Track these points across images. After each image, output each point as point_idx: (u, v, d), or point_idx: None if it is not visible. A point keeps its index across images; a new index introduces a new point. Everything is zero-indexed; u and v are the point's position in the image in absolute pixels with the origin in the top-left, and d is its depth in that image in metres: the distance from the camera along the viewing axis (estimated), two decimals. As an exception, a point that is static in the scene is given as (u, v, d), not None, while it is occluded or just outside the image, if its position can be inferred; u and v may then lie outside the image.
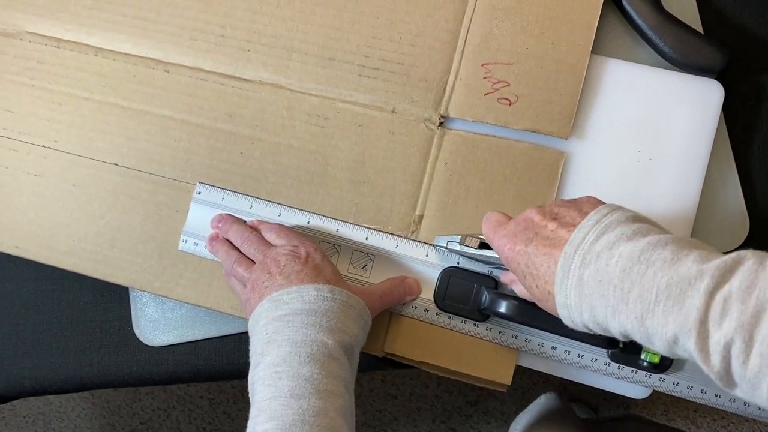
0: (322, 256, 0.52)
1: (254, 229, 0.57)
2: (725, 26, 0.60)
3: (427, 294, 0.56)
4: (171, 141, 0.60)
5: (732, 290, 0.35)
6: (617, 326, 0.39)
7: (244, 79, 0.60)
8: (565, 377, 0.56)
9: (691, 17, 0.60)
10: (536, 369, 0.56)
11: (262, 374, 0.45)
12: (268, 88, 0.60)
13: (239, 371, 0.61)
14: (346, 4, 0.59)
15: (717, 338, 0.35)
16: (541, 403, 0.74)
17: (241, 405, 1.28)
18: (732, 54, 0.58)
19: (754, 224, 0.59)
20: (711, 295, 0.36)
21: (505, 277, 0.54)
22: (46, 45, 0.62)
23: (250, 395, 0.46)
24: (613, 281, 0.39)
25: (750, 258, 0.37)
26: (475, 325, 0.55)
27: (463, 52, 0.57)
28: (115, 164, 0.61)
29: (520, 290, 0.52)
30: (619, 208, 0.43)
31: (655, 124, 0.57)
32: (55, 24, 0.62)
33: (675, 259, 0.38)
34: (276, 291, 0.48)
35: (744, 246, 0.58)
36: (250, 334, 0.50)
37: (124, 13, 0.62)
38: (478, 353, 0.56)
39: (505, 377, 0.56)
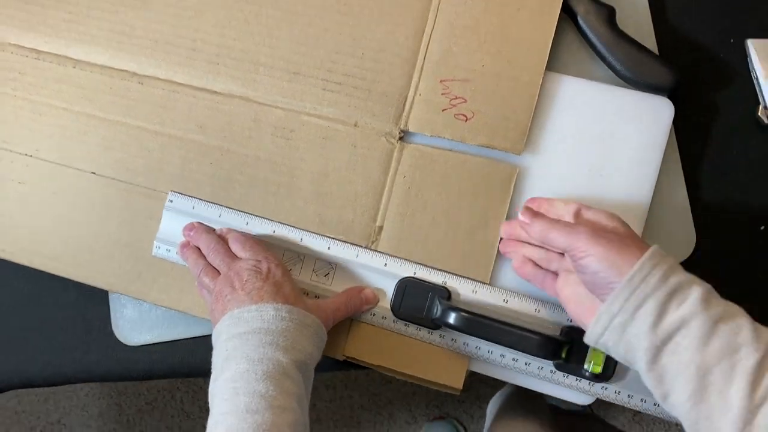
0: (282, 272, 0.51)
1: (223, 238, 0.55)
2: (679, 44, 0.58)
3: (385, 302, 0.55)
4: (145, 151, 0.59)
5: None
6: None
7: (214, 92, 0.58)
8: (515, 383, 0.55)
9: (647, 35, 0.57)
10: (489, 375, 0.55)
11: (221, 388, 0.45)
12: (236, 100, 0.58)
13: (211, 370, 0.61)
14: (311, 21, 0.57)
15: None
16: (511, 386, 0.73)
17: None
18: (685, 71, 0.55)
19: (700, 239, 0.57)
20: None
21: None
22: (27, 57, 0.60)
23: (210, 406, 0.46)
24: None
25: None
26: (429, 332, 0.54)
27: (422, 68, 0.55)
28: (93, 173, 0.59)
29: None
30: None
31: (607, 140, 0.55)
32: (35, 36, 0.60)
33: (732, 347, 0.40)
34: (237, 307, 0.48)
35: (691, 258, 0.57)
36: (213, 346, 0.49)
37: (101, 26, 0.60)
38: (432, 359, 0.55)
39: (457, 382, 0.55)
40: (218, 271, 0.53)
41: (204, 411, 1.28)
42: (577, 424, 0.75)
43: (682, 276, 0.42)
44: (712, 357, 0.39)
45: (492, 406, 0.75)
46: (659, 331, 0.40)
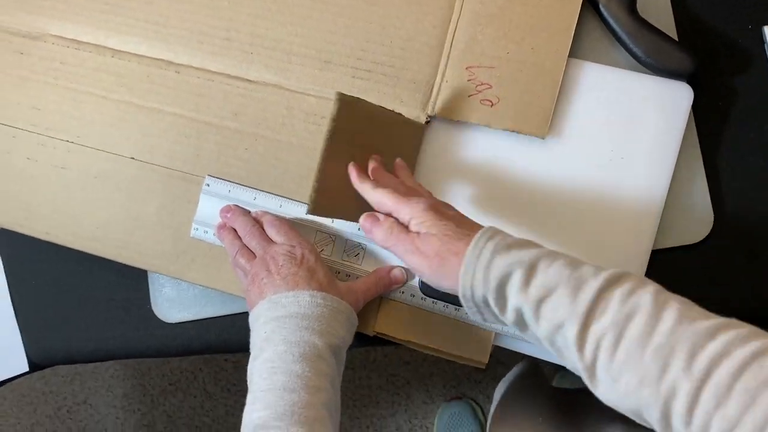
0: (316, 257, 0.53)
1: (257, 221, 0.58)
2: (699, 31, 0.59)
3: (414, 281, 0.57)
4: (182, 137, 0.61)
5: (615, 294, 0.40)
6: (515, 302, 0.42)
7: (248, 80, 0.60)
8: (539, 357, 0.57)
9: (667, 22, 0.59)
10: (513, 349, 0.57)
11: (260, 368, 0.48)
12: (269, 88, 0.60)
13: (245, 346, 0.62)
14: (341, 11, 0.59)
15: (594, 329, 0.39)
16: (517, 370, 0.75)
17: None
18: (704, 57, 0.57)
19: (717, 218, 0.58)
20: (599, 293, 0.40)
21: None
22: (67, 47, 0.63)
23: (248, 383, 0.49)
24: (524, 265, 0.42)
25: (634, 276, 0.42)
26: (456, 309, 0.56)
27: (449, 55, 0.57)
28: (132, 158, 0.62)
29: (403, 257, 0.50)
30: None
31: (628, 124, 0.57)
32: (75, 27, 0.63)
33: (575, 263, 0.43)
34: (274, 292, 0.50)
35: (708, 239, 0.58)
36: (251, 329, 0.51)
37: (137, 17, 0.62)
38: (459, 334, 0.57)
39: (483, 356, 0.57)
40: (254, 254, 0.55)
41: (225, 391, 1.31)
42: (580, 398, 0.77)
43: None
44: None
45: (498, 392, 0.77)
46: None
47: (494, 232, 0.45)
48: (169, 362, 1.33)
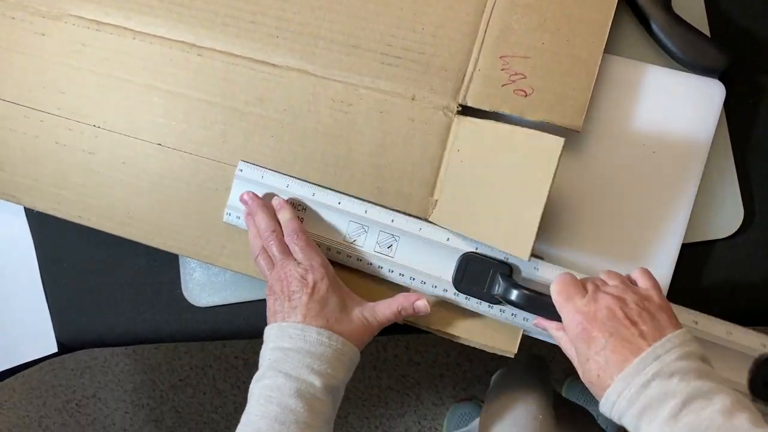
0: (328, 285, 0.53)
1: (275, 218, 0.56)
2: (731, 28, 0.59)
3: (447, 276, 0.56)
4: (208, 123, 0.59)
5: None
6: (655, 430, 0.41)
7: (273, 64, 0.59)
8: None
9: (699, 19, 0.58)
10: (543, 339, 0.56)
11: (259, 392, 0.49)
12: (294, 73, 0.58)
13: None
14: (372, -4, 0.58)
15: None
16: (520, 364, 0.73)
17: None
18: (736, 54, 0.56)
19: (747, 213, 0.58)
20: None
21: (543, 323, 0.53)
22: (88, 28, 0.61)
23: (248, 399, 0.51)
24: (677, 399, 0.41)
25: None
26: (489, 306, 0.55)
27: (482, 43, 0.56)
28: (159, 144, 0.60)
29: (557, 336, 0.52)
30: (692, 340, 0.45)
31: (660, 120, 0.56)
32: (95, 8, 0.61)
33: (734, 410, 0.40)
34: (283, 319, 0.52)
35: (738, 234, 0.58)
36: (263, 341, 0.53)
37: (161, -3, 0.60)
38: (489, 325, 0.56)
39: (512, 346, 0.56)
40: (272, 260, 0.55)
41: (235, 388, 1.30)
42: (578, 416, 0.75)
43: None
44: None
45: (495, 377, 0.75)
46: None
47: (672, 346, 0.43)
48: (180, 358, 1.31)
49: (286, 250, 0.55)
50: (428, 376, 1.27)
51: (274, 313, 0.53)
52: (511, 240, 0.52)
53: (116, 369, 1.34)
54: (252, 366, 1.26)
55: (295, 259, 0.54)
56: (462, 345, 0.58)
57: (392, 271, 0.57)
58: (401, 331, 0.58)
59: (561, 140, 0.48)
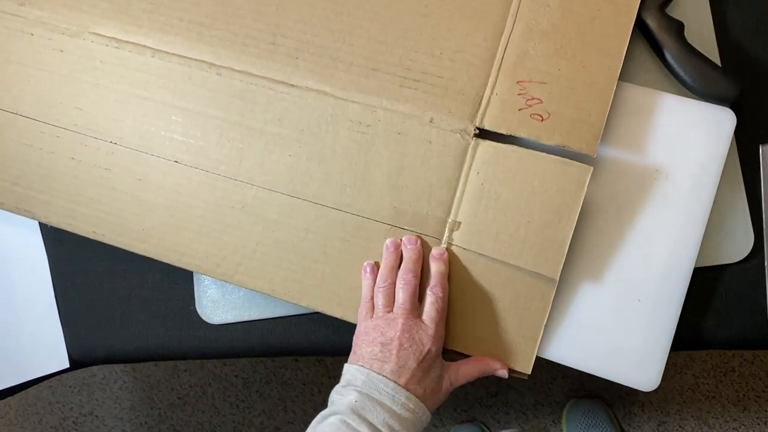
0: (435, 355, 0.52)
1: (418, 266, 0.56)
2: (741, 58, 0.60)
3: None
4: (225, 141, 0.59)
5: None
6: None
7: (292, 85, 0.59)
8: (588, 371, 0.56)
9: (710, 47, 0.59)
10: (557, 362, 0.56)
11: (334, 424, 0.48)
12: (313, 94, 0.59)
13: (288, 349, 0.63)
14: (392, 21, 0.58)
15: None
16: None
17: (273, 385, 1.26)
18: (746, 83, 0.57)
19: (757, 239, 0.59)
20: None
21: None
22: (107, 46, 0.61)
23: (323, 417, 0.50)
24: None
25: None
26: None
27: (499, 69, 0.57)
28: (176, 161, 0.60)
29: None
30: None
31: (672, 146, 0.57)
32: (116, 25, 0.61)
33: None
34: (380, 370, 0.50)
35: (748, 259, 0.58)
36: (348, 362, 0.52)
37: (181, 17, 0.60)
38: (503, 345, 0.56)
39: (526, 367, 0.56)
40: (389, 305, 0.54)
41: (233, 407, 1.27)
42: None
43: None
44: None
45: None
46: None
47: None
48: (179, 376, 1.29)
49: (416, 302, 0.54)
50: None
51: (371, 357, 0.51)
52: (541, 261, 0.54)
53: (114, 386, 1.32)
54: (251, 384, 1.25)
55: (420, 316, 0.53)
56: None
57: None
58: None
59: (590, 168, 0.50)
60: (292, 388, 1.23)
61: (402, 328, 0.52)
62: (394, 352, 0.51)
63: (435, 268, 0.55)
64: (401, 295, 0.54)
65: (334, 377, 1.23)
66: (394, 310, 0.53)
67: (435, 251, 0.56)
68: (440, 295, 0.54)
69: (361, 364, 0.51)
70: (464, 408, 1.24)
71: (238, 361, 1.21)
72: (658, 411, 1.21)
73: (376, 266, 0.57)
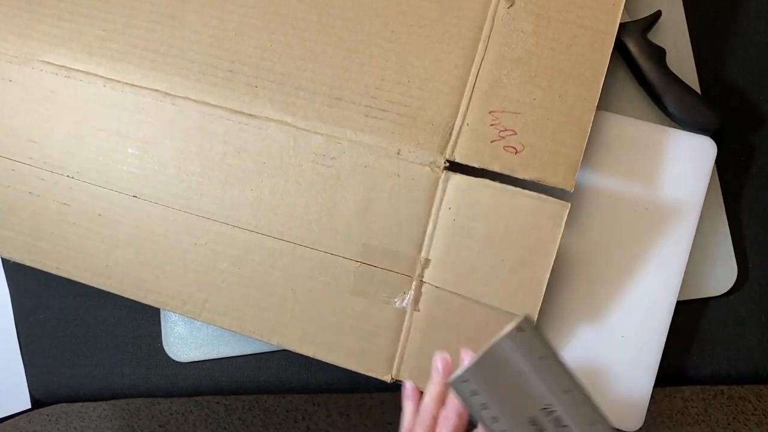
0: None
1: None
2: (721, 86, 0.57)
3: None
4: (184, 175, 0.55)
5: None
6: None
7: (251, 115, 0.55)
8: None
9: (690, 75, 0.56)
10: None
11: None
12: (273, 124, 0.54)
13: (258, 388, 0.60)
14: (356, 46, 0.54)
15: None
16: None
17: (256, 412, 1.22)
18: (727, 112, 0.54)
19: (741, 271, 0.55)
20: None
21: None
22: (56, 75, 0.56)
23: None
24: None
25: None
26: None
27: (471, 97, 0.53)
28: (134, 197, 0.56)
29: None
30: None
31: (652, 176, 0.54)
32: (65, 53, 0.56)
33: None
34: None
35: (731, 292, 0.55)
36: None
37: (135, 44, 0.56)
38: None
39: None
40: None
41: (216, 437, 1.24)
42: None
43: None
44: None
45: None
46: None
47: None
48: (159, 403, 1.24)
49: None
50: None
51: None
52: (518, 301, 0.51)
53: (93, 414, 1.27)
54: (233, 411, 1.20)
55: None
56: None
57: None
58: (387, 389, 0.55)
59: (567, 205, 0.46)
60: (275, 415, 1.19)
61: None
62: None
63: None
64: None
65: (317, 404, 1.19)
66: None
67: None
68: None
69: None
70: None
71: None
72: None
73: (419, 391, 0.50)
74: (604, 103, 0.54)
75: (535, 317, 0.51)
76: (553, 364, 0.42)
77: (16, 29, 0.57)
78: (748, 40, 0.57)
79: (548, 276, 0.51)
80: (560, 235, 0.51)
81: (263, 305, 0.55)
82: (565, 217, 0.50)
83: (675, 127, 0.54)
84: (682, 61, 0.55)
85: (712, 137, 0.53)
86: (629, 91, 0.55)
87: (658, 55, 0.53)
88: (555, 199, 0.50)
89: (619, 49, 0.54)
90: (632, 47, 0.53)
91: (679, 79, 0.53)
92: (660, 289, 0.53)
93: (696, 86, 0.55)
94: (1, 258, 0.63)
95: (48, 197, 0.57)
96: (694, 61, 0.56)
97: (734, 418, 1.17)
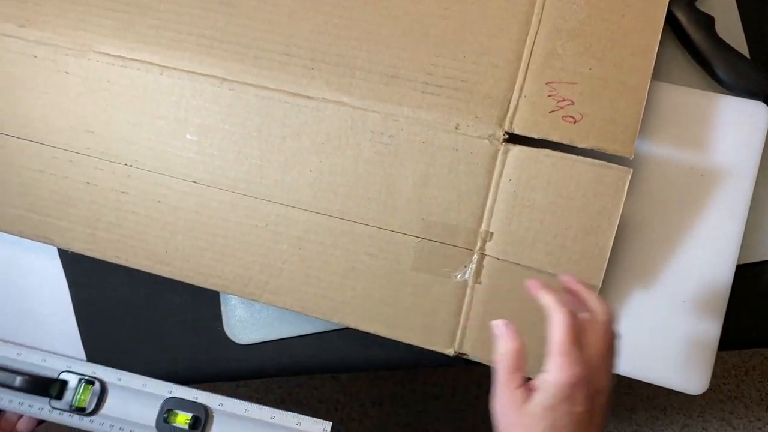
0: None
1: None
2: (769, 50, 0.57)
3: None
4: (243, 158, 0.55)
5: None
6: None
7: (308, 97, 0.55)
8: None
9: (738, 42, 0.56)
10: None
11: None
12: (331, 105, 0.55)
13: (320, 367, 0.60)
14: (411, 25, 0.55)
15: None
16: None
17: (288, 405, 1.21)
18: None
19: (796, 236, 0.56)
20: None
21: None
22: (113, 65, 0.57)
23: None
24: None
25: None
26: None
27: (527, 70, 0.53)
28: (194, 182, 0.56)
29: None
30: None
31: (706, 143, 0.54)
32: (120, 43, 0.57)
33: None
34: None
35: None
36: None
37: (190, 31, 0.56)
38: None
39: None
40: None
41: None
42: None
43: None
44: None
45: None
46: None
47: None
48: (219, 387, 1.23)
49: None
50: (448, 411, 1.22)
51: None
52: (582, 268, 0.51)
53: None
54: (265, 404, 1.19)
55: None
56: (482, 378, 0.54)
57: None
58: (447, 364, 0.55)
59: (629, 170, 0.46)
60: (308, 407, 1.18)
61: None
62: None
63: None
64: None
65: (349, 394, 1.19)
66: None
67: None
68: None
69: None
70: (483, 418, 1.20)
71: (251, 381, 1.17)
72: (680, 414, 1.18)
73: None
74: (656, 73, 0.54)
75: (599, 284, 0.51)
76: None
77: (71, 23, 0.57)
78: (792, 6, 0.58)
79: (612, 243, 0.51)
80: (623, 201, 0.51)
81: (324, 284, 0.55)
82: (628, 182, 0.51)
83: (726, 94, 0.54)
84: (730, 28, 0.56)
85: (764, 101, 0.54)
86: (679, 60, 0.56)
87: (707, 23, 0.54)
88: (618, 165, 0.51)
89: (668, 19, 0.54)
90: (681, 16, 0.54)
91: (729, 45, 0.54)
92: (719, 254, 0.54)
93: (745, 52, 0.56)
94: (58, 248, 0.63)
95: (106, 186, 0.57)
96: (742, 27, 0.56)
97: (767, 394, 1.17)
